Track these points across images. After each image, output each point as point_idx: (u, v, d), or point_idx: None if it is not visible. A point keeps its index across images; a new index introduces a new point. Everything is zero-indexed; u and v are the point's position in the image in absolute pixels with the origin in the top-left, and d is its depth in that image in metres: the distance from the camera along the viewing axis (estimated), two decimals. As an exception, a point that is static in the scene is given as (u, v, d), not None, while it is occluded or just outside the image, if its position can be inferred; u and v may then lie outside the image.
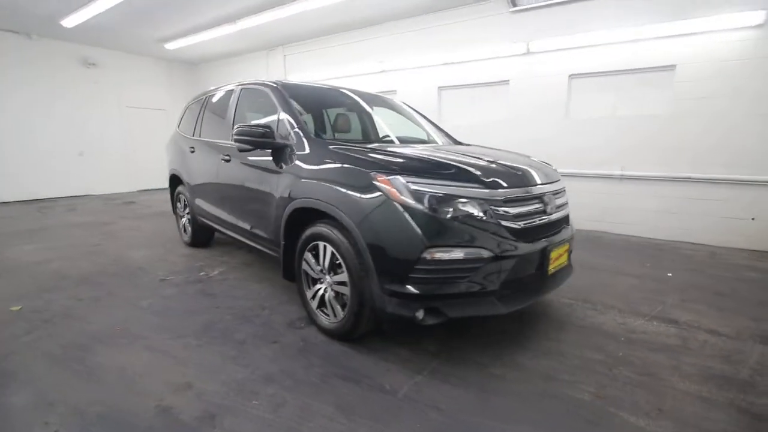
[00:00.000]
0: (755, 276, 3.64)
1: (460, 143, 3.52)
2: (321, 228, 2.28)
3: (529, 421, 1.70)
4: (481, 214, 1.95)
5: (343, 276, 2.18)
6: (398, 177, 1.96)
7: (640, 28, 4.83)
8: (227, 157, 3.25)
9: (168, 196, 4.99)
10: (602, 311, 2.83)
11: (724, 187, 4.62)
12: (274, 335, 2.44)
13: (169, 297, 3.04)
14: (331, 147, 2.41)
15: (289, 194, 2.48)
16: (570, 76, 5.47)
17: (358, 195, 2.04)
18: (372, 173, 2.03)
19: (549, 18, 5.44)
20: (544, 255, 2.14)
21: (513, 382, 1.98)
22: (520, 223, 2.05)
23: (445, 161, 2.15)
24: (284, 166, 2.58)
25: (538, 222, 2.16)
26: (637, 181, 5.14)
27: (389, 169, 2.03)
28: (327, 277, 2.34)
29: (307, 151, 2.47)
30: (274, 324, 2.59)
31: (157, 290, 3.18)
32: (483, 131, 6.05)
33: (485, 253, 1.91)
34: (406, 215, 1.90)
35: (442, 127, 3.92)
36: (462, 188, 1.96)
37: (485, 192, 1.98)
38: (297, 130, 2.62)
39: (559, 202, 2.43)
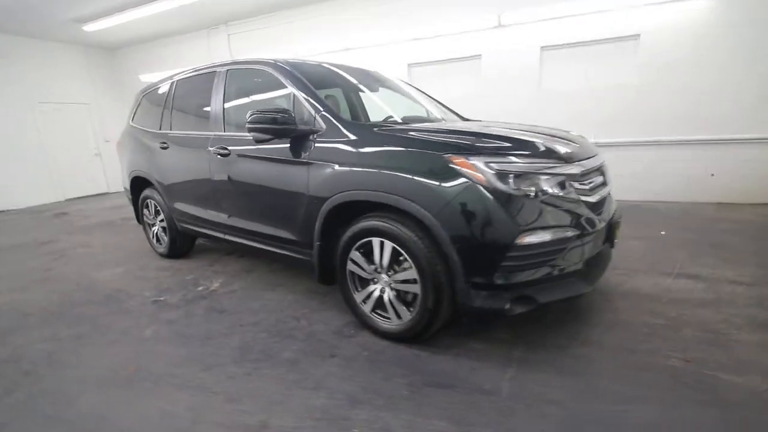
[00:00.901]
0: (731, 226, 4.01)
1: (468, 119, 3.37)
2: (375, 222, 2.02)
3: (644, 399, 1.65)
4: (562, 191, 1.83)
5: (409, 273, 1.96)
6: (478, 157, 1.76)
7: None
8: (224, 151, 2.79)
9: (114, 202, 4.40)
10: (630, 275, 2.91)
11: (687, 148, 5.03)
12: (327, 348, 2.16)
13: (175, 321, 2.58)
14: (376, 130, 2.13)
15: (326, 187, 2.17)
16: (542, 48, 5.54)
17: (432, 182, 1.81)
18: (446, 155, 1.80)
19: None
20: (611, 227, 2.10)
21: (601, 360, 1.93)
22: (595, 197, 1.97)
23: (516, 137, 1.98)
24: (308, 156, 2.26)
25: (604, 194, 2.10)
26: (610, 147, 5.41)
27: (464, 149, 1.82)
28: (383, 276, 2.10)
29: (347, 136, 2.16)
30: (320, 335, 2.30)
31: (155, 315, 2.69)
32: (455, 106, 5.95)
33: (571, 232, 1.81)
34: (494, 199, 1.72)
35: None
36: (543, 164, 1.82)
37: (566, 167, 1.86)
38: (325, 113, 2.28)
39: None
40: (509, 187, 1.74)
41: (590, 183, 1.98)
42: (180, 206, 3.43)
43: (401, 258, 1.98)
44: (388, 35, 6.35)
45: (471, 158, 1.76)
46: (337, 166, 2.13)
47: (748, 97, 4.67)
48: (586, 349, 2.03)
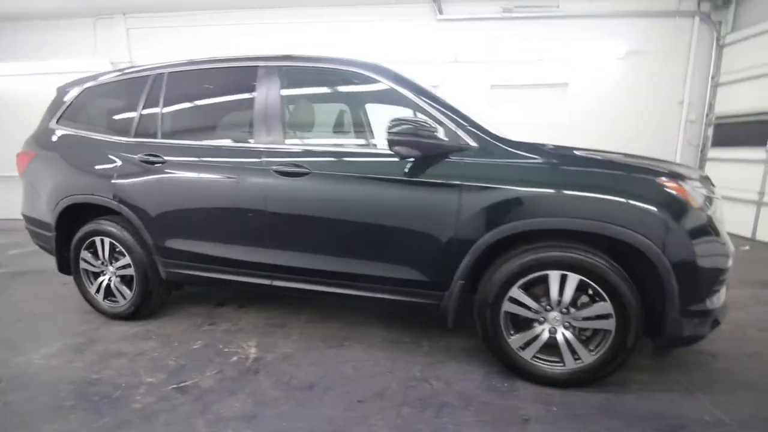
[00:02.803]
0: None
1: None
2: (558, 254, 1.78)
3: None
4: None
5: (600, 308, 1.77)
6: (687, 182, 1.74)
7: (543, 50, 5.85)
8: (294, 169, 2.09)
9: None
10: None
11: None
12: (503, 412, 1.76)
13: (255, 416, 1.74)
14: (547, 148, 1.91)
15: (491, 215, 1.83)
16: (491, 86, 6.11)
17: (651, 207, 1.69)
18: (658, 179, 1.72)
19: (474, 31, 5.90)
20: None
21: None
22: None
23: (669, 163, 2.03)
24: (461, 177, 1.88)
25: None
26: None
27: (668, 174, 1.77)
28: (553, 314, 1.85)
29: (524, 156, 1.89)
30: (477, 396, 1.87)
31: (207, 412, 1.77)
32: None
33: (731, 250, 1.92)
34: (707, 224, 1.71)
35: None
36: (707, 189, 1.90)
37: (712, 189, 1.96)
38: (472, 128, 1.95)
39: None
40: (709, 210, 1.76)
41: None
42: (178, 244, 2.43)
43: (590, 293, 1.79)
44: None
45: (682, 183, 1.73)
46: (516, 190, 1.81)
47: (659, 146, 5.89)
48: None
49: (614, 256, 1.77)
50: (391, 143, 1.83)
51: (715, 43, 5.58)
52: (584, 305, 1.83)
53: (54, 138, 2.78)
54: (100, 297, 2.73)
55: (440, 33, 5.94)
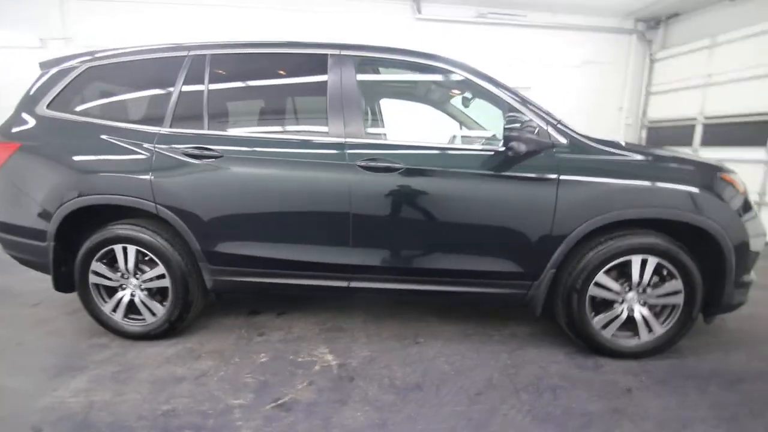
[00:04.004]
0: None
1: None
2: (644, 240, 1.99)
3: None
4: None
5: (673, 285, 2.03)
6: (732, 174, 2.06)
7: (512, 56, 6.30)
8: (383, 165, 2.01)
9: None
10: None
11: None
12: (607, 386, 1.92)
13: (377, 423, 1.65)
14: (627, 145, 2.11)
15: (589, 207, 1.98)
16: (465, 86, 6.38)
17: (718, 197, 1.97)
18: (719, 172, 2.02)
19: (450, 32, 6.11)
20: None
21: None
22: None
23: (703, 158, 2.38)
24: (557, 171, 1.99)
25: None
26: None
27: (719, 167, 2.08)
28: (632, 294, 2.07)
29: (607, 153, 2.05)
30: (572, 375, 2.01)
31: (325, 427, 1.63)
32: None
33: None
34: (751, 207, 2.04)
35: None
36: None
37: None
38: (562, 127, 2.07)
39: None
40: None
41: None
42: (234, 248, 2.16)
43: (665, 273, 2.04)
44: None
45: (732, 174, 2.05)
46: (613, 183, 1.97)
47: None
48: None
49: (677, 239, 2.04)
50: (508, 139, 1.88)
51: (648, 58, 6.54)
52: (656, 284, 2.07)
53: (47, 126, 2.28)
54: (117, 316, 2.32)
55: (418, 32, 6.04)
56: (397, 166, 2.03)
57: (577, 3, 5.90)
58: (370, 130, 2.29)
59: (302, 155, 2.11)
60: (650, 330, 2.11)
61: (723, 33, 5.31)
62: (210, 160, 2.11)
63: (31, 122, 2.31)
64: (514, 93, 2.14)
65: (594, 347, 2.15)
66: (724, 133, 5.26)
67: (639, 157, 2.09)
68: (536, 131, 1.93)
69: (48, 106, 2.30)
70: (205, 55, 2.22)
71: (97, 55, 2.35)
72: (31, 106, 2.33)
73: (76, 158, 2.20)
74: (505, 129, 1.88)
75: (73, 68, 2.33)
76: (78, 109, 2.31)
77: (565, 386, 1.92)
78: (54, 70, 2.37)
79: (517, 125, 1.86)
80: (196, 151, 2.12)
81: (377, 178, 2.04)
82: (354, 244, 2.11)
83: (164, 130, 2.17)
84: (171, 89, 2.21)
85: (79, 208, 2.20)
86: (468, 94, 2.81)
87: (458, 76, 2.19)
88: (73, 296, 2.90)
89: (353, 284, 2.19)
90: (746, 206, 2.05)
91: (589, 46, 6.41)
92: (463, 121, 3.07)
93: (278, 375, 2.01)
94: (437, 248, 2.12)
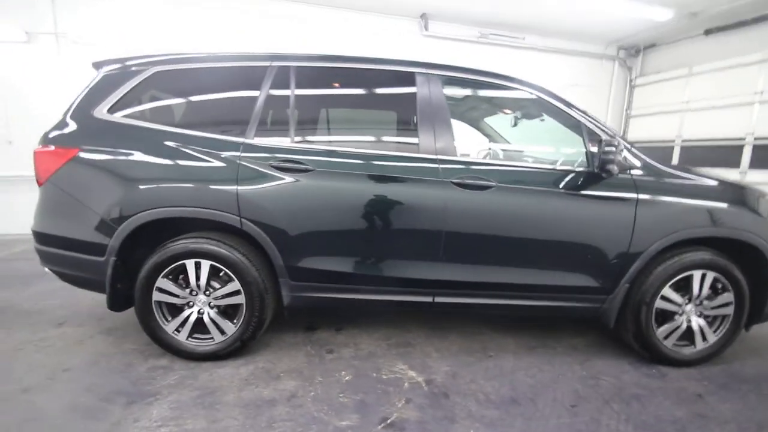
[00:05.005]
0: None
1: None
2: (706, 257, 2.19)
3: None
4: None
5: (725, 297, 2.25)
6: None
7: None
8: (477, 182, 2.07)
9: None
10: None
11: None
12: (679, 393, 2.08)
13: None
14: (687, 168, 2.33)
15: (665, 225, 2.15)
16: (466, 101, 6.61)
17: (762, 218, 2.22)
18: (762, 196, 2.27)
19: (454, 50, 6.30)
20: None
21: None
22: None
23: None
24: (636, 191, 2.16)
25: None
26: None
27: (762, 191, 2.34)
28: (690, 306, 2.27)
29: (675, 176, 2.25)
30: (646, 384, 2.15)
31: (449, 444, 1.64)
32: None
33: None
34: None
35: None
36: None
37: None
38: (636, 151, 2.24)
39: None
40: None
41: None
42: (319, 264, 2.12)
43: (720, 286, 2.25)
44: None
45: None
46: (682, 203, 2.16)
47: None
48: None
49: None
50: (605, 162, 2.01)
51: (628, 84, 7.13)
52: (710, 297, 2.28)
53: (109, 131, 2.11)
54: (182, 335, 2.17)
55: (425, 48, 6.17)
56: (490, 183, 2.10)
57: (567, 29, 6.33)
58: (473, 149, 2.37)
59: (394, 170, 2.12)
60: (704, 339, 2.31)
61: (698, 64, 5.93)
62: (299, 173, 2.06)
63: (89, 127, 2.13)
64: (594, 119, 2.29)
65: (656, 357, 2.31)
66: (701, 155, 5.83)
67: (705, 180, 2.31)
68: (623, 155, 2.09)
69: (110, 110, 2.14)
70: (289, 66, 2.18)
71: (165, 59, 2.22)
72: (88, 110, 2.15)
73: (149, 167, 2.07)
74: (603, 152, 2.01)
75: (138, 71, 2.19)
76: (144, 114, 2.18)
77: (645, 395, 2.05)
78: (111, 72, 2.21)
79: (613, 149, 2.00)
80: (286, 164, 2.06)
81: (471, 195, 2.10)
82: (444, 259, 2.14)
83: (249, 140, 2.09)
84: (253, 99, 2.14)
85: (148, 222, 2.05)
86: (518, 114, 2.96)
87: (540, 99, 2.32)
88: (100, 313, 2.76)
89: (438, 299, 2.21)
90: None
91: (577, 69, 6.88)
92: (493, 137, 3.22)
93: (371, 393, 1.98)
94: (522, 264, 2.21)
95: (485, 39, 6.36)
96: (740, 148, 5.29)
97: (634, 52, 6.96)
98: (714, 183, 2.31)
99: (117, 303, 2.18)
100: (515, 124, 2.98)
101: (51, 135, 2.15)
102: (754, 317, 2.36)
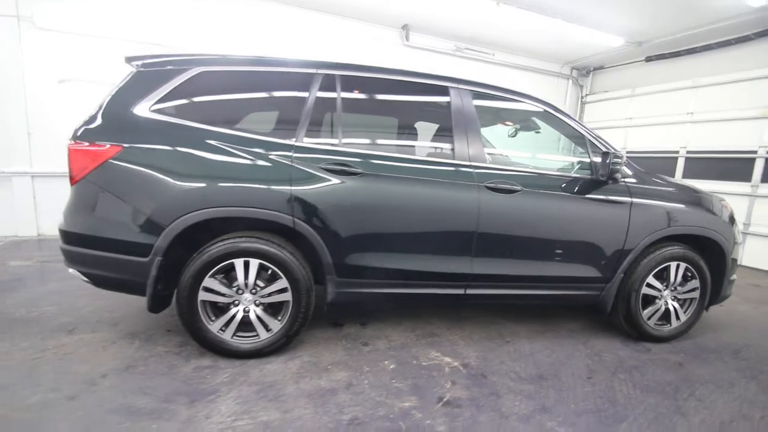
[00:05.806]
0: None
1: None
2: (682, 250, 2.66)
3: None
4: None
5: (694, 284, 2.75)
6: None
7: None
8: (505, 186, 2.34)
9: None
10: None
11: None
12: (664, 363, 2.51)
13: (541, 408, 1.95)
14: (666, 177, 2.77)
15: (652, 223, 2.58)
16: (441, 110, 6.99)
17: (725, 218, 2.76)
18: (721, 200, 2.80)
19: (432, 61, 6.66)
20: None
21: None
22: None
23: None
24: (630, 196, 2.56)
25: None
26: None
27: (719, 196, 2.86)
28: (667, 291, 2.73)
29: (659, 184, 2.71)
30: (637, 357, 2.56)
31: (505, 416, 1.86)
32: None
33: None
34: (736, 225, 2.87)
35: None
36: None
37: None
38: (629, 161, 2.63)
39: None
40: (731, 219, 2.96)
41: None
42: (363, 261, 2.26)
43: (689, 273, 2.73)
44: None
45: (726, 201, 2.85)
46: (671, 206, 2.62)
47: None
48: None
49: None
50: (614, 171, 2.37)
51: (580, 100, 7.97)
52: (682, 283, 2.76)
53: (154, 129, 2.08)
54: (227, 334, 2.19)
55: (405, 57, 6.46)
56: (516, 188, 2.38)
57: (530, 48, 6.97)
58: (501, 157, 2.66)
59: (435, 174, 2.33)
60: (678, 318, 2.78)
61: (639, 86, 6.83)
62: (347, 176, 2.19)
63: (130, 124, 2.09)
64: (594, 133, 2.68)
65: (641, 335, 2.75)
66: (644, 164, 6.69)
67: (675, 188, 2.79)
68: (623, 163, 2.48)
69: (153, 108, 2.11)
70: (335, 75, 2.30)
71: (209, 60, 2.23)
72: (127, 107, 2.11)
73: (201, 167, 2.08)
74: (612, 162, 2.37)
75: (180, 70, 2.18)
76: (190, 113, 2.17)
77: (639, 366, 2.45)
78: (148, 69, 2.18)
79: (620, 159, 2.37)
80: (337, 167, 2.18)
81: (500, 198, 2.37)
82: (476, 254, 2.39)
83: (299, 143, 2.18)
84: (301, 103, 2.23)
85: (197, 222, 2.06)
86: (518, 126, 3.32)
87: (550, 115, 2.66)
88: (109, 318, 2.77)
89: (469, 291, 2.45)
90: (735, 224, 2.87)
91: (539, 85, 7.57)
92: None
93: (419, 378, 2.16)
94: (541, 257, 2.52)
95: (460, 53, 6.80)
96: (675, 159, 6.20)
97: (585, 72, 7.82)
98: (685, 188, 2.81)
99: (156, 304, 2.15)
100: (514, 136, 3.34)
101: (84, 131, 2.07)
102: (712, 299, 2.88)
